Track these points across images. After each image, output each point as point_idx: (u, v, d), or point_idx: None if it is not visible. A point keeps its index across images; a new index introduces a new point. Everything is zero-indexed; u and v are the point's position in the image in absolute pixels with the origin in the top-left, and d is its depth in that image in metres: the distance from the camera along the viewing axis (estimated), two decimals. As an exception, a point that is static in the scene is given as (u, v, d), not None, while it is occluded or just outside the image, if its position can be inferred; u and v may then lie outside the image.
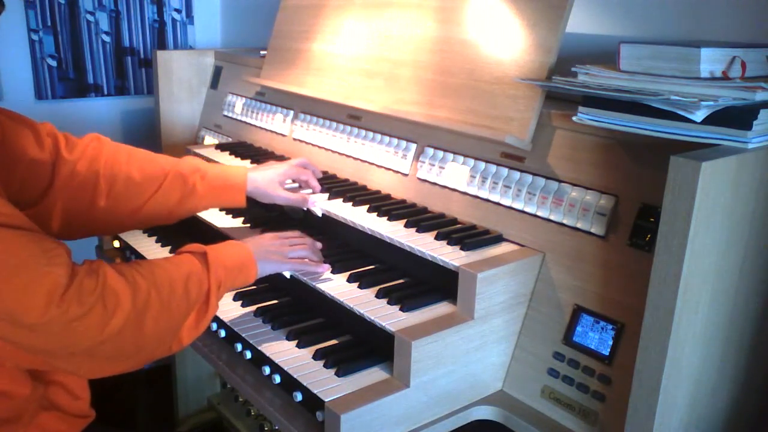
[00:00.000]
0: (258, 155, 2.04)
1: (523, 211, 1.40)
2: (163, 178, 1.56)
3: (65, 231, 1.48)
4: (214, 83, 2.55)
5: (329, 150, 1.91)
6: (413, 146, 1.67)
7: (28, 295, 1.02)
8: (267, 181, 1.64)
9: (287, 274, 1.45)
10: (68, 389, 1.32)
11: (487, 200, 1.47)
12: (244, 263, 1.34)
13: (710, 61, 1.11)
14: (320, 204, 1.61)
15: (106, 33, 2.80)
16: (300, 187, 1.73)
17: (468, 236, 1.40)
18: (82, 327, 1.06)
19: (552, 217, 1.34)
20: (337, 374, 1.27)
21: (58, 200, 1.45)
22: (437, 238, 1.41)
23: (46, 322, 1.03)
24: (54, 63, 2.70)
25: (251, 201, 1.67)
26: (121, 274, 1.14)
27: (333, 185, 1.74)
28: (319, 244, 1.52)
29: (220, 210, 1.85)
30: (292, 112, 2.09)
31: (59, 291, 1.04)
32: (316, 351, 1.35)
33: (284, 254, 1.42)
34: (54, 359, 1.12)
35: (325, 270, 1.46)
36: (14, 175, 1.36)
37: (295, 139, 2.05)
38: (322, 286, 1.42)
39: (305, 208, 1.64)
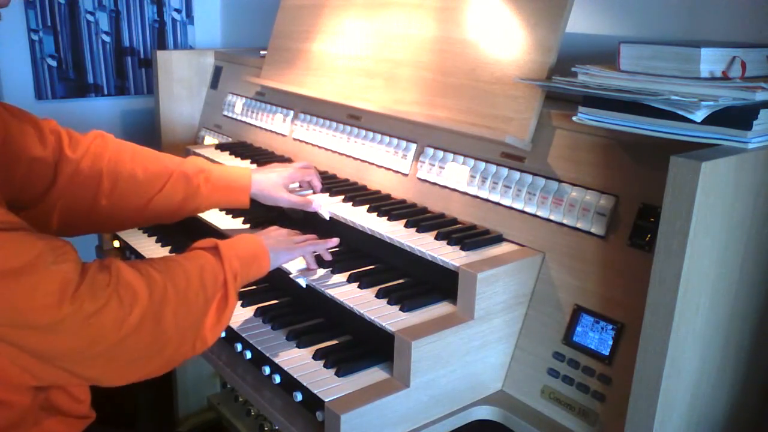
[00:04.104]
0: (258, 155, 2.04)
1: (523, 211, 1.40)
2: (167, 178, 1.55)
3: (65, 229, 1.47)
4: (214, 83, 2.55)
5: (329, 150, 1.91)
6: (413, 146, 1.67)
7: (39, 295, 1.00)
8: (271, 183, 1.64)
9: (302, 283, 1.44)
10: (69, 392, 1.31)
11: (487, 200, 1.47)
12: (256, 253, 1.33)
13: (710, 61, 1.11)
14: (327, 207, 1.60)
15: (106, 33, 2.80)
16: (300, 186, 1.73)
17: (468, 236, 1.40)
18: (98, 323, 1.04)
19: (552, 217, 1.34)
20: (337, 374, 1.27)
21: (59, 199, 1.44)
22: (437, 238, 1.41)
23: (61, 320, 1.01)
24: (54, 63, 2.70)
25: (252, 201, 1.67)
26: (135, 268, 1.12)
27: (333, 185, 1.74)
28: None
29: (220, 210, 1.85)
30: (292, 112, 2.09)
31: (71, 287, 1.02)
32: (316, 351, 1.35)
33: (293, 241, 1.44)
34: (75, 365, 1.09)
35: (335, 243, 1.48)
36: (16, 174, 1.35)
37: (295, 139, 2.05)
38: (323, 287, 1.42)
39: (309, 211, 1.64)
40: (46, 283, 1.01)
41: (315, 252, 1.47)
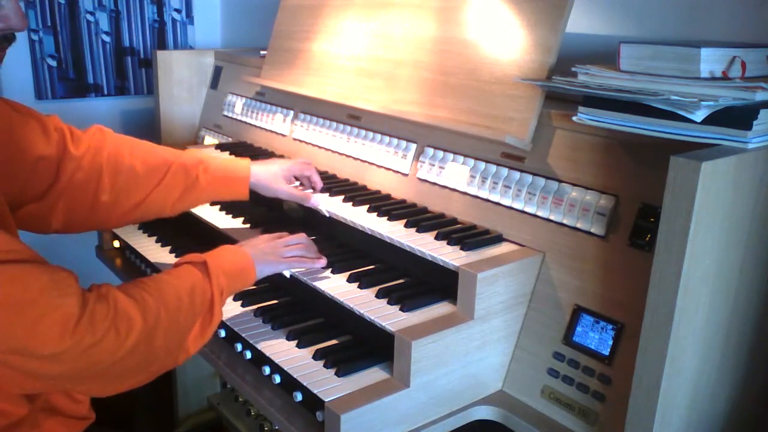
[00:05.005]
0: (258, 155, 2.04)
1: (523, 211, 1.40)
2: (165, 171, 1.55)
3: (66, 226, 1.47)
4: (214, 83, 2.55)
5: (329, 150, 1.91)
6: (413, 146, 1.67)
7: (41, 329, 1.01)
8: (271, 174, 1.63)
9: (287, 274, 1.46)
10: (68, 394, 1.31)
11: (487, 200, 1.47)
12: (243, 268, 1.35)
13: (710, 61, 1.11)
14: (324, 204, 1.60)
15: (106, 33, 2.79)
16: (301, 184, 1.73)
17: (468, 236, 1.40)
18: (96, 352, 1.07)
19: (552, 217, 1.34)
20: (337, 374, 1.27)
21: (61, 196, 1.44)
22: (437, 238, 1.41)
23: (61, 351, 1.03)
24: (54, 63, 2.70)
25: (252, 201, 1.67)
26: (131, 296, 1.14)
27: (333, 185, 1.74)
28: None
29: (220, 209, 1.85)
30: (292, 112, 2.09)
31: (72, 322, 1.04)
32: (316, 351, 1.35)
33: (280, 254, 1.43)
34: (68, 383, 1.13)
35: (323, 263, 1.47)
36: (20, 171, 1.35)
37: (295, 139, 2.05)
38: (322, 286, 1.42)
39: (307, 205, 1.64)
40: (49, 317, 1.02)
41: (303, 269, 1.46)
